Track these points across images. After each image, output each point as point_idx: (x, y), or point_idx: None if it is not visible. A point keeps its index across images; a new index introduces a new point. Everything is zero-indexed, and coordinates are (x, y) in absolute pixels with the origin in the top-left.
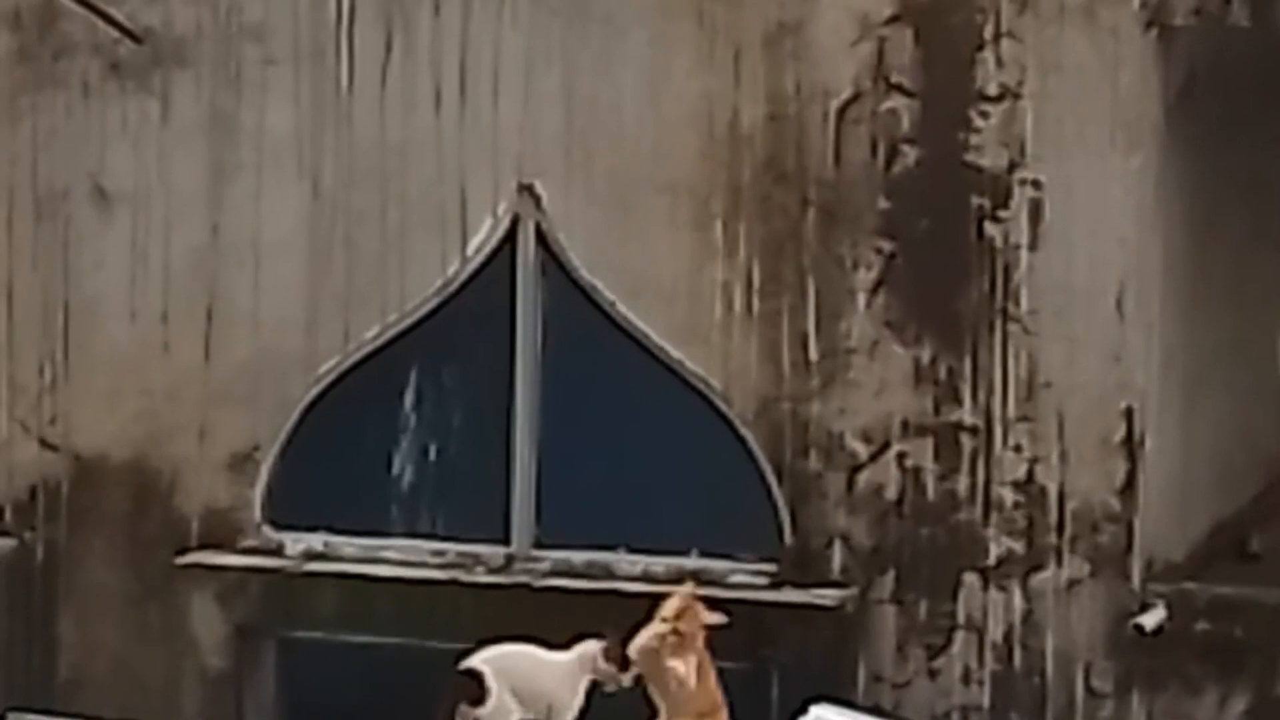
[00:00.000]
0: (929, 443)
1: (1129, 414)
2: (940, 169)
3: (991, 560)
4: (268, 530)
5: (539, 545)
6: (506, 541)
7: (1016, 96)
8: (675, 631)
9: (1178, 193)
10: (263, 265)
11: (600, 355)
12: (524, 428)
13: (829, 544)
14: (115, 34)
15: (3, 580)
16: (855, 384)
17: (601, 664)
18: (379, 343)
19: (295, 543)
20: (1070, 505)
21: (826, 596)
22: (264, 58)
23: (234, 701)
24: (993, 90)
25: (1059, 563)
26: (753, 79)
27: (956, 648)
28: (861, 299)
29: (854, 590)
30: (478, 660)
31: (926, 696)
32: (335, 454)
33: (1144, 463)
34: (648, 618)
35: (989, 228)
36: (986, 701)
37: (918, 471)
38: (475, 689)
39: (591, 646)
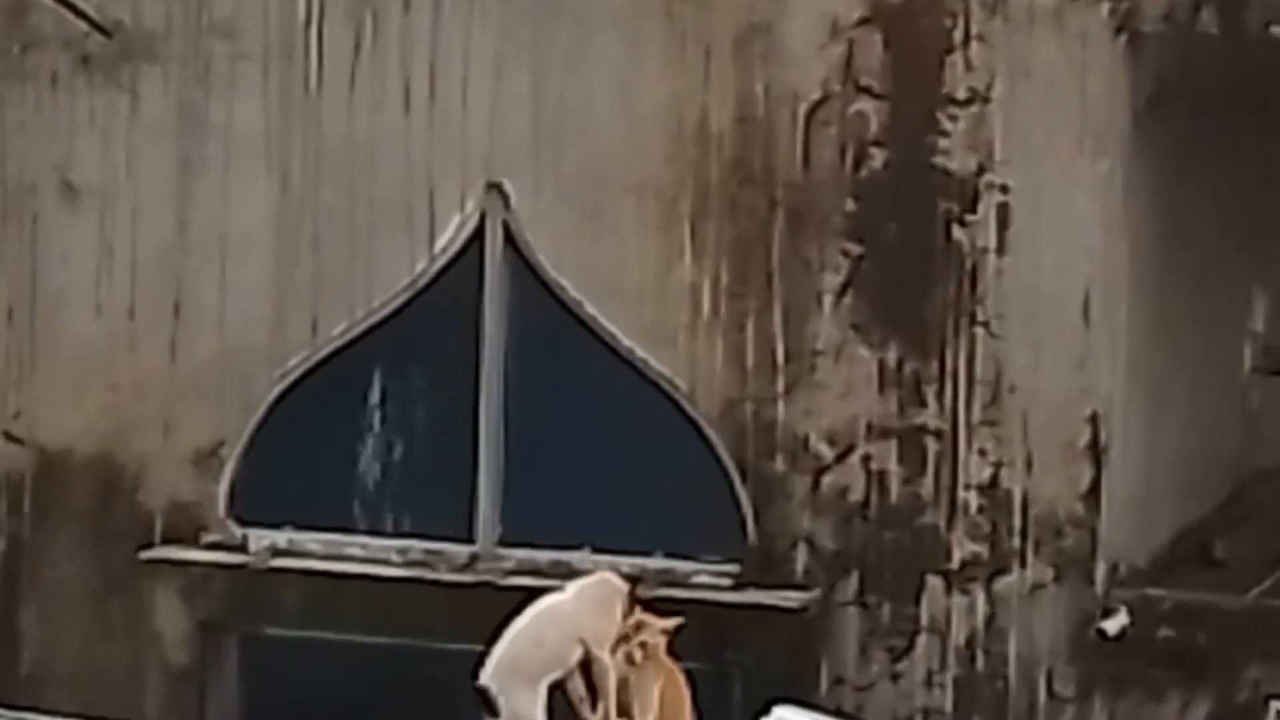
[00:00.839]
0: (894, 446)
1: (1094, 419)
2: (908, 172)
3: (955, 564)
4: (232, 526)
5: (503, 544)
6: (471, 540)
7: (985, 101)
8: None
9: (1145, 199)
10: (230, 261)
11: (566, 355)
12: (489, 426)
13: (793, 546)
14: (84, 27)
15: None
16: (821, 386)
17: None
18: (345, 340)
19: (259, 539)
20: (1034, 510)
21: (790, 598)
22: (233, 54)
23: (197, 697)
24: (961, 94)
25: (1022, 567)
26: (722, 80)
27: (919, 651)
28: (828, 301)
29: (817, 592)
30: (484, 675)
31: (889, 699)
32: (300, 450)
33: (1108, 468)
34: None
35: (956, 231)
36: (949, 705)
37: (882, 474)
38: (491, 703)
39: (609, 580)
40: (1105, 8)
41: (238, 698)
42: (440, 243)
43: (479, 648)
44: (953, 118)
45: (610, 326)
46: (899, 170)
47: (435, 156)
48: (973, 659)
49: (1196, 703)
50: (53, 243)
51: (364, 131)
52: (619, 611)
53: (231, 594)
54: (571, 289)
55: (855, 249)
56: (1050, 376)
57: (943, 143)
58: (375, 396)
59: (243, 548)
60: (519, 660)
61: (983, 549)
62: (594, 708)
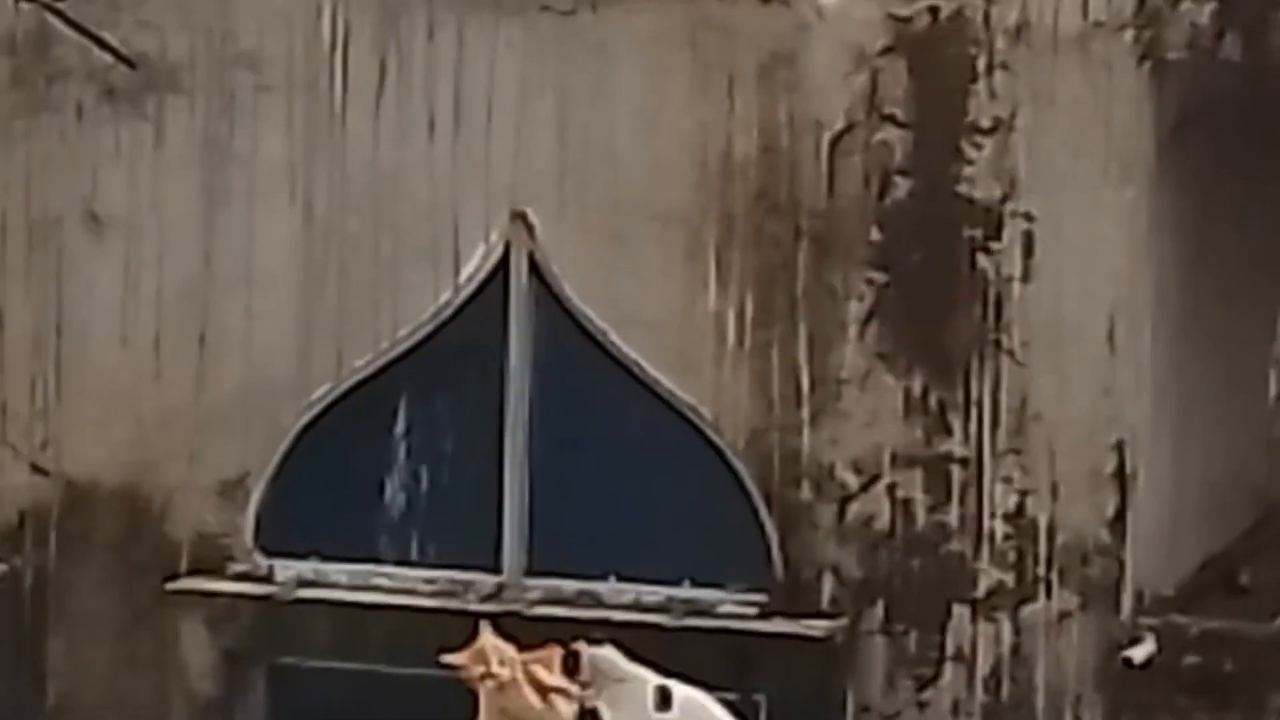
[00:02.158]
0: (919, 474)
1: (1119, 447)
2: (933, 200)
3: (981, 592)
4: (258, 557)
5: (530, 573)
6: (497, 569)
7: (1009, 129)
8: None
9: (1169, 226)
10: (255, 292)
11: (592, 384)
12: (515, 456)
13: (819, 574)
14: (109, 59)
15: None
16: (846, 415)
17: None
18: (370, 370)
19: (286, 569)
20: (1060, 538)
21: (816, 627)
22: (257, 84)
23: None
24: (986, 122)
25: (1049, 595)
26: (746, 109)
27: (946, 679)
28: (853, 330)
29: (844, 621)
30: None
31: None
32: (326, 481)
33: (1134, 496)
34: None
35: (981, 259)
36: None
37: (908, 503)
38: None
39: None
40: (1129, 35)
41: None
42: (465, 273)
43: None
44: (977, 146)
45: (635, 356)
46: (923, 198)
47: (460, 186)
48: (999, 687)
49: None
50: (78, 274)
51: (388, 161)
52: None
53: (258, 625)
54: (596, 318)
55: (880, 277)
56: (1076, 404)
57: (967, 171)
58: (400, 427)
59: (269, 578)
60: None
61: (1009, 577)
62: None
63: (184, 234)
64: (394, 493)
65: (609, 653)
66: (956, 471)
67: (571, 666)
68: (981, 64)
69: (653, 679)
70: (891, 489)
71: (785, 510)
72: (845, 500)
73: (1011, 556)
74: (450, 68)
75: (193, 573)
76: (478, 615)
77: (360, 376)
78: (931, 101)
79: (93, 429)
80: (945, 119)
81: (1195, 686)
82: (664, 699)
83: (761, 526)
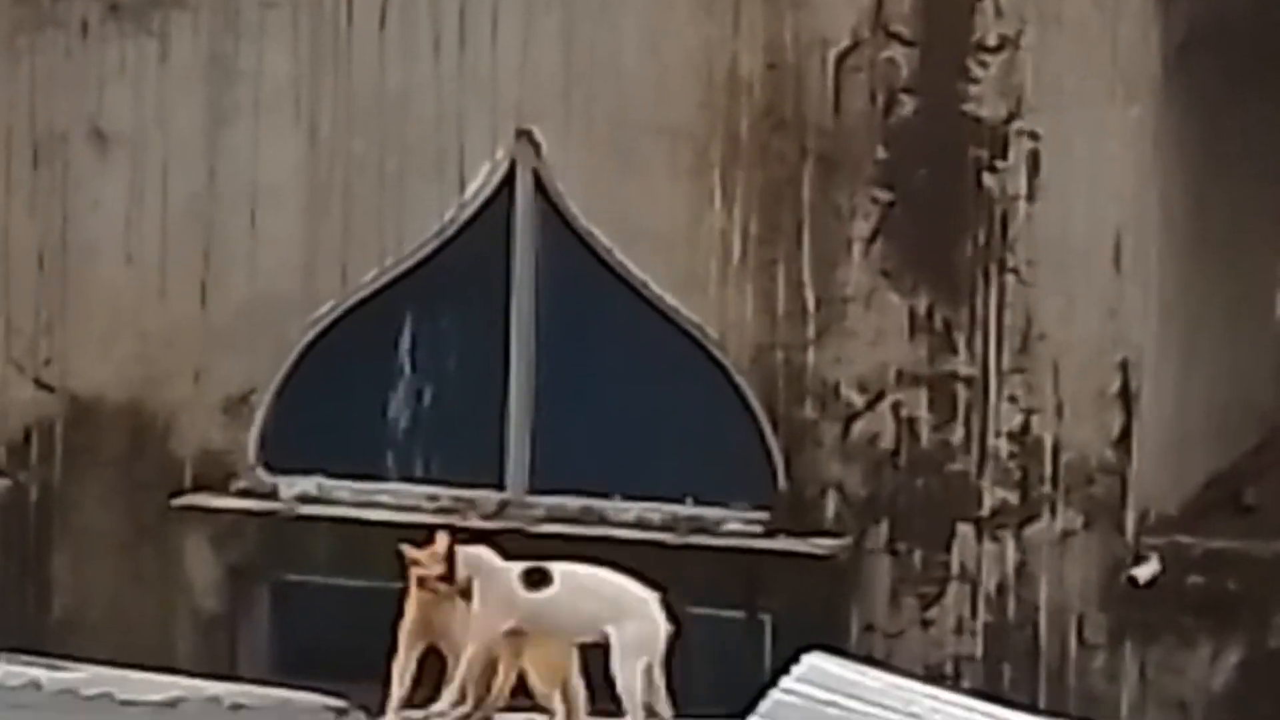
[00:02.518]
0: (924, 393)
1: (1124, 366)
2: (939, 119)
3: (986, 511)
4: (262, 473)
5: (533, 491)
6: (501, 487)
7: (1016, 47)
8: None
9: (1176, 146)
10: (260, 209)
11: (597, 302)
12: (520, 373)
13: (823, 493)
14: None
15: None
16: (851, 333)
17: None
18: (375, 287)
19: (290, 486)
20: (1065, 457)
21: (820, 545)
22: (263, 0)
23: (227, 644)
24: (992, 41)
25: (1053, 514)
26: (752, 26)
27: (950, 598)
28: (858, 248)
29: (848, 540)
30: None
31: (919, 647)
32: (331, 398)
33: (1139, 415)
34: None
35: (987, 178)
36: (979, 652)
37: (913, 421)
38: None
39: None
40: None
41: (268, 644)
42: (470, 190)
43: None
44: (983, 64)
45: (640, 274)
46: (929, 117)
47: (465, 103)
48: (1003, 606)
49: (1228, 650)
50: (83, 191)
51: (394, 78)
52: None
53: (262, 541)
54: (602, 236)
55: (886, 196)
56: (1081, 323)
57: (973, 90)
58: (405, 344)
59: (273, 495)
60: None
61: (1013, 496)
62: None
63: (189, 151)
64: (398, 410)
65: (480, 550)
66: (961, 390)
67: (449, 564)
68: None
69: (518, 566)
70: (896, 407)
71: (790, 428)
72: (850, 418)
73: (1016, 475)
74: None
75: (197, 489)
76: (481, 532)
77: (365, 293)
78: (938, 19)
79: (97, 345)
80: (952, 37)
81: (1200, 606)
82: (538, 579)
83: (766, 444)
